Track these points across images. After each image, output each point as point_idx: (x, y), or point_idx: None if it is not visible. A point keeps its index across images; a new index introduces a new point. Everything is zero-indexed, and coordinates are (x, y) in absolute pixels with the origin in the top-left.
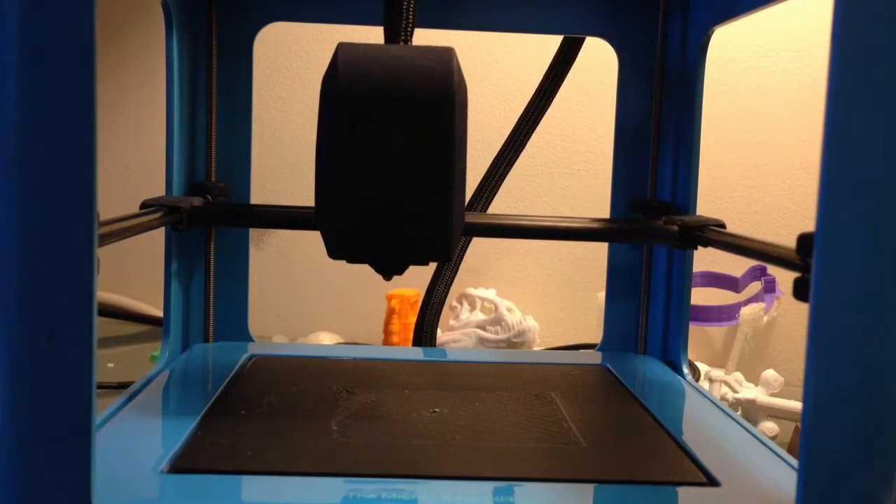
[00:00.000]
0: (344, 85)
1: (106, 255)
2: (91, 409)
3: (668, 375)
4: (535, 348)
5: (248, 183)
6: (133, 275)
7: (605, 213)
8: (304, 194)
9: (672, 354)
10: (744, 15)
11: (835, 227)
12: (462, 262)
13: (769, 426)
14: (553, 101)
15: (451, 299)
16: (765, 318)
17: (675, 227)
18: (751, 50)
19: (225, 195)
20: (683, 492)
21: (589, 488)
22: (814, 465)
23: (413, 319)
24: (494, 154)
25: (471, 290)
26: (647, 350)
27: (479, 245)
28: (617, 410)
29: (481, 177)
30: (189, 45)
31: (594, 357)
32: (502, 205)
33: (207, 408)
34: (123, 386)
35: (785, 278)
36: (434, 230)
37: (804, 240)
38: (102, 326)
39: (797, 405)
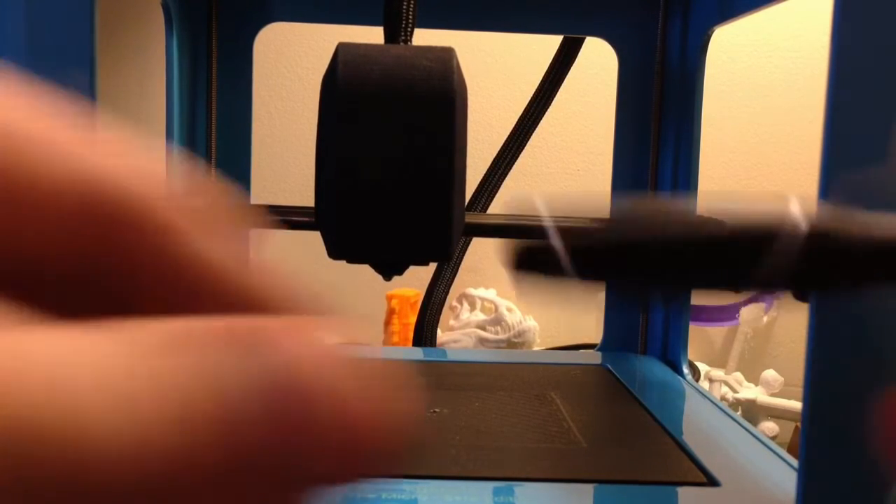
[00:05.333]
0: (344, 85)
1: None
2: None
3: (668, 375)
4: (535, 348)
5: (248, 183)
6: None
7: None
8: (303, 194)
9: (672, 354)
10: (744, 15)
11: None
12: (462, 262)
13: (769, 426)
14: (553, 101)
15: (451, 299)
16: (765, 318)
17: None
18: (751, 49)
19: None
20: (683, 492)
21: (589, 488)
22: (814, 465)
23: (413, 319)
24: (494, 154)
25: (471, 290)
26: (647, 350)
27: (479, 245)
28: (617, 410)
29: (481, 177)
30: (189, 45)
31: (594, 357)
32: (502, 205)
33: None
34: None
35: None
36: (434, 230)
37: None
38: None
39: (797, 405)
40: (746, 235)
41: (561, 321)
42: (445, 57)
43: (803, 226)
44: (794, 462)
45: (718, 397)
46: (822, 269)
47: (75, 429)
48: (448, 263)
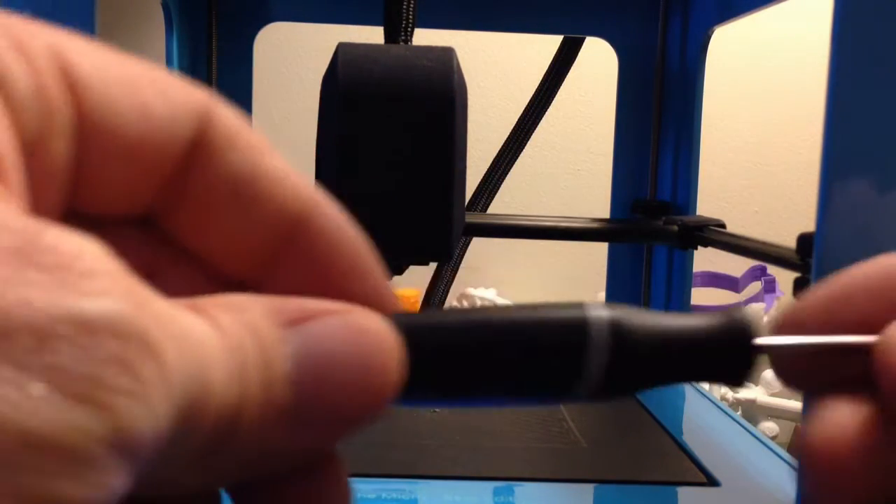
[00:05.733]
0: (344, 85)
1: None
2: None
3: None
4: None
5: None
6: None
7: (605, 213)
8: None
9: None
10: (744, 15)
11: (835, 227)
12: (462, 262)
13: (769, 426)
14: (553, 101)
15: (451, 299)
16: (765, 318)
17: (675, 227)
18: (751, 50)
19: None
20: (683, 492)
21: (589, 488)
22: None
23: None
24: (494, 154)
25: (471, 290)
26: None
27: (479, 245)
28: (617, 410)
29: (481, 177)
30: (189, 45)
31: None
32: (502, 205)
33: None
34: None
35: (785, 278)
36: (434, 230)
37: (804, 240)
38: None
39: (797, 405)
40: (550, 348)
41: None
42: (445, 57)
43: (606, 334)
44: (794, 462)
45: (718, 397)
46: (627, 375)
47: (205, 380)
48: (448, 263)
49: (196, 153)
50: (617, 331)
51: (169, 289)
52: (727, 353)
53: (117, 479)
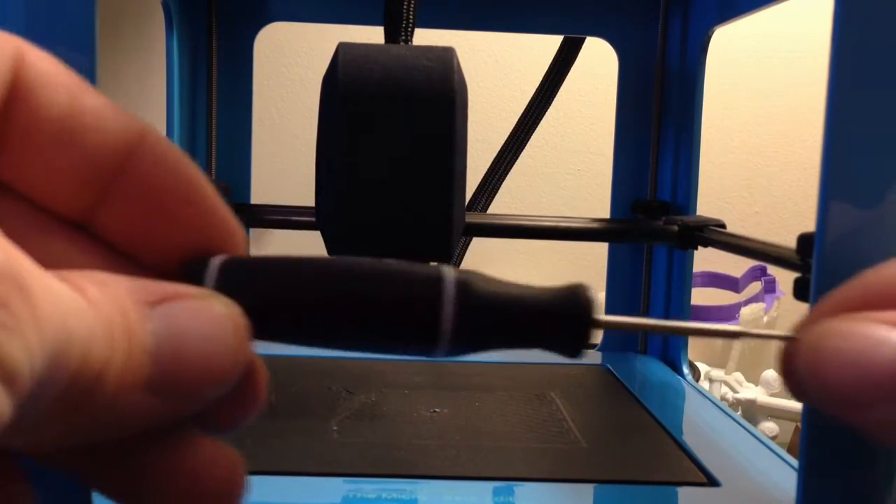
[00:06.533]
0: (344, 85)
1: None
2: None
3: (668, 375)
4: None
5: (248, 183)
6: None
7: (605, 213)
8: (303, 194)
9: (672, 355)
10: (744, 15)
11: (835, 227)
12: (462, 262)
13: (769, 426)
14: (553, 101)
15: None
16: (765, 318)
17: (675, 227)
18: (751, 50)
19: (225, 195)
20: (683, 492)
21: (589, 488)
22: (814, 465)
23: None
24: (494, 154)
25: None
26: (647, 350)
27: (479, 245)
28: (617, 410)
29: (481, 177)
30: (189, 45)
31: (594, 357)
32: (502, 205)
33: None
34: None
35: (785, 278)
36: (434, 230)
37: (804, 240)
38: None
39: (797, 405)
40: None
41: None
42: (445, 57)
43: (452, 292)
44: (794, 462)
45: (718, 397)
46: (475, 333)
47: (72, 337)
48: (448, 263)
49: (12, 97)
50: (463, 287)
51: (8, 233)
52: (567, 324)
53: (4, 407)
